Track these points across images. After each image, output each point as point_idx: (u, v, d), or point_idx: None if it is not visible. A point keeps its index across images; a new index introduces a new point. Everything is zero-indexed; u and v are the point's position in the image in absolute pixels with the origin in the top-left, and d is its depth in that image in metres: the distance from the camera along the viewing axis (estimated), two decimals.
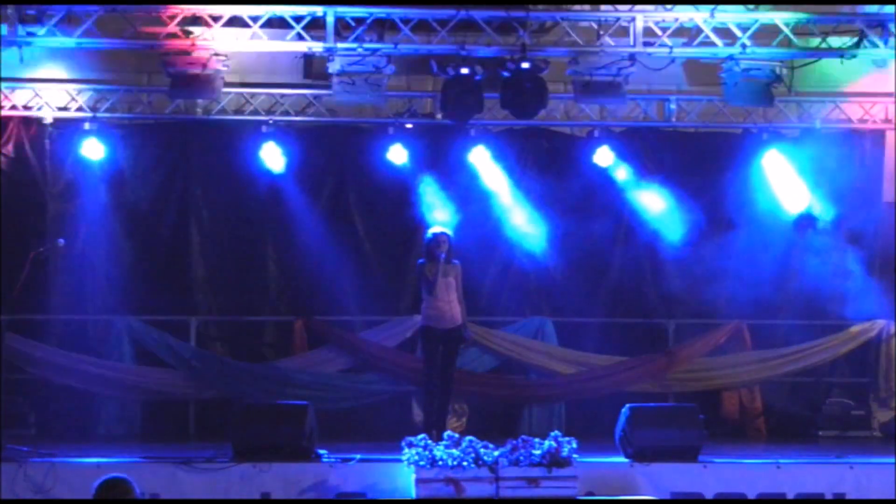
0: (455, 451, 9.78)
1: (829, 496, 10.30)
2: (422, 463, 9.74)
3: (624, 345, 13.81)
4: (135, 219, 13.79)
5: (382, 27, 11.74)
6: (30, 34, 11.31)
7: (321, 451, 10.69)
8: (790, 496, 10.28)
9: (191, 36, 11.45)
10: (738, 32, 11.61)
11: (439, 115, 13.41)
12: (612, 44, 11.68)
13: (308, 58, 12.92)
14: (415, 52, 11.75)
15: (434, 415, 11.72)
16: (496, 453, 9.82)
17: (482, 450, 9.82)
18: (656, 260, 14.12)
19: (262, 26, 11.53)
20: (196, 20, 11.57)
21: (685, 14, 11.56)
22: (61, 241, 12.97)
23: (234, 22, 11.88)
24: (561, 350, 13.69)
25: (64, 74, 13.57)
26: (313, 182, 13.98)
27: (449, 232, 11.98)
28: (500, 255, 14.07)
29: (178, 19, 11.40)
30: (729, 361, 13.68)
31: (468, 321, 12.58)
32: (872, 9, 11.68)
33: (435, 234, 11.83)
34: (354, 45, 11.42)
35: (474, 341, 12.94)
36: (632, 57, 11.60)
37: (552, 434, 9.99)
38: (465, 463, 9.72)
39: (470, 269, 13.68)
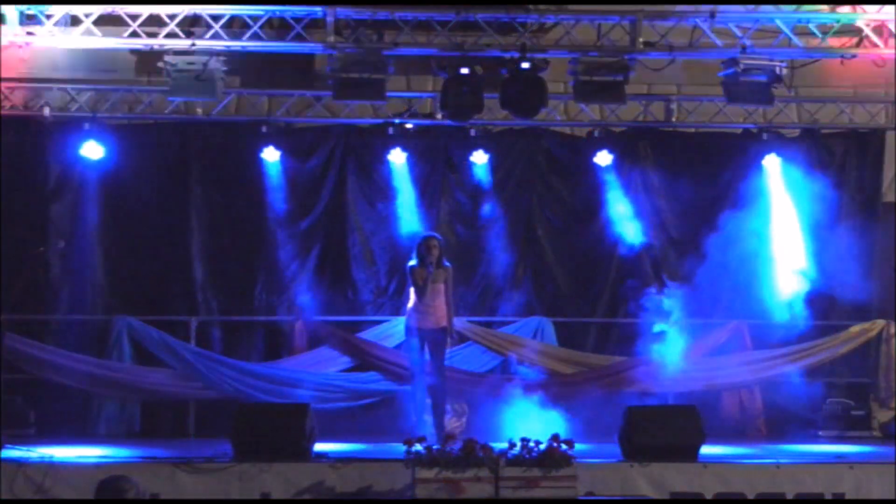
0: (455, 451, 9.78)
1: (828, 496, 10.28)
2: (422, 463, 9.74)
3: (624, 345, 13.81)
4: (134, 219, 13.77)
5: (382, 27, 11.75)
6: (30, 34, 11.31)
7: (321, 451, 10.70)
8: (790, 496, 10.27)
9: (191, 36, 11.46)
10: (738, 32, 11.61)
11: (439, 115, 13.41)
12: (612, 44, 11.68)
13: (308, 57, 12.94)
14: (415, 52, 11.75)
15: (430, 414, 11.79)
16: (496, 453, 9.82)
17: (482, 450, 9.82)
18: (656, 260, 14.14)
19: (262, 26, 11.55)
20: (196, 20, 11.58)
21: (685, 14, 11.56)
22: (61, 244, 13.02)
23: (235, 22, 11.92)
24: (561, 350, 13.69)
25: (64, 74, 13.57)
26: (313, 182, 13.98)
27: (439, 237, 12.13)
28: (500, 254, 14.08)
29: (178, 19, 11.41)
30: (729, 361, 13.68)
31: (467, 321, 12.70)
32: (872, 9, 11.69)
33: (426, 239, 12.01)
34: (354, 45, 11.42)
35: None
36: (632, 57, 11.60)
37: (552, 434, 9.99)
38: (465, 463, 9.71)
39: (469, 268, 13.76)
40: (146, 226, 13.81)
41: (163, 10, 11.45)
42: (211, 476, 10.07)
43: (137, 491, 6.93)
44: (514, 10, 11.52)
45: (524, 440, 9.92)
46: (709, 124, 14.09)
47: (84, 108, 13.52)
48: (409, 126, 13.83)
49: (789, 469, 10.46)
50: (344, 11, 11.42)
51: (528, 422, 13.27)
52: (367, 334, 13.54)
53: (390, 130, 13.71)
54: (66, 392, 13.12)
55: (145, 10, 11.40)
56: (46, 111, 13.53)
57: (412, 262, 12.05)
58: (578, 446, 9.98)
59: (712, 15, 11.45)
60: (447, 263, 12.10)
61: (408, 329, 12.10)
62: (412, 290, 12.01)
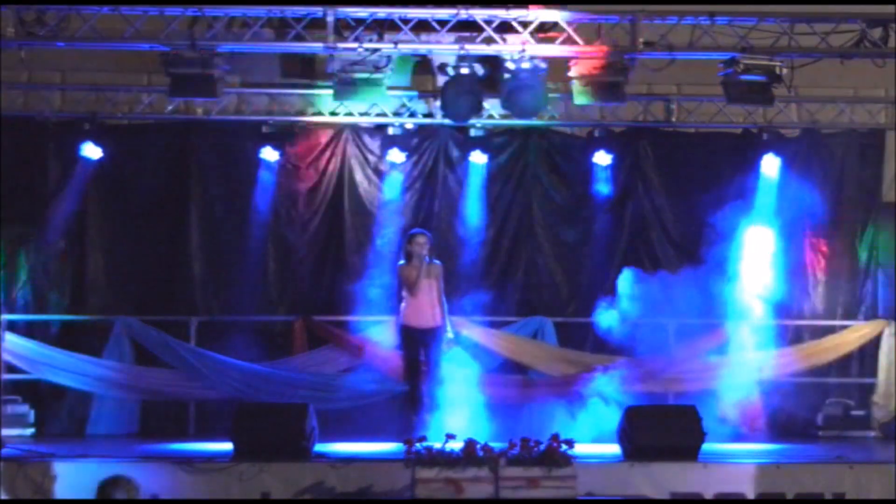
0: (455, 451, 9.78)
1: (828, 496, 10.28)
2: (422, 463, 9.73)
3: (623, 345, 13.80)
4: (135, 219, 13.79)
5: (382, 27, 11.74)
6: (30, 34, 11.31)
7: (321, 451, 10.70)
8: (790, 496, 10.26)
9: (191, 37, 11.45)
10: (738, 32, 11.61)
11: (439, 115, 13.42)
12: (611, 43, 11.68)
13: (309, 58, 12.93)
14: (415, 53, 11.75)
15: (429, 413, 11.80)
16: (496, 453, 9.82)
17: (482, 450, 9.82)
18: (657, 260, 14.13)
19: (262, 26, 11.54)
20: (196, 21, 11.57)
21: (685, 14, 11.56)
22: (61, 244, 13.02)
23: (235, 22, 11.91)
24: (561, 350, 13.69)
25: (64, 75, 13.57)
26: (313, 182, 13.99)
27: (428, 233, 12.13)
28: (500, 254, 14.08)
29: (178, 20, 11.41)
30: (729, 361, 13.66)
31: (465, 321, 12.68)
32: (872, 9, 11.69)
33: (414, 236, 12.01)
34: (354, 45, 11.43)
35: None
36: (632, 57, 11.60)
37: (552, 434, 9.98)
38: (465, 463, 9.71)
39: (470, 268, 13.76)
40: (146, 226, 13.82)
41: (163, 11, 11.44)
42: (211, 476, 10.07)
43: (137, 491, 6.93)
44: (515, 9, 11.51)
45: (524, 440, 9.91)
46: (709, 124, 14.09)
47: (84, 108, 13.52)
48: (409, 126, 13.85)
49: (789, 469, 10.46)
50: (344, 11, 11.42)
51: (529, 421, 13.32)
52: (367, 334, 13.53)
53: (390, 130, 13.73)
54: (66, 392, 13.14)
55: (146, 11, 11.38)
56: (46, 111, 13.54)
57: (401, 262, 12.08)
58: (578, 446, 9.98)
59: (712, 15, 11.44)
60: (437, 261, 12.11)
61: (402, 329, 12.08)
62: (404, 289, 12.00)
